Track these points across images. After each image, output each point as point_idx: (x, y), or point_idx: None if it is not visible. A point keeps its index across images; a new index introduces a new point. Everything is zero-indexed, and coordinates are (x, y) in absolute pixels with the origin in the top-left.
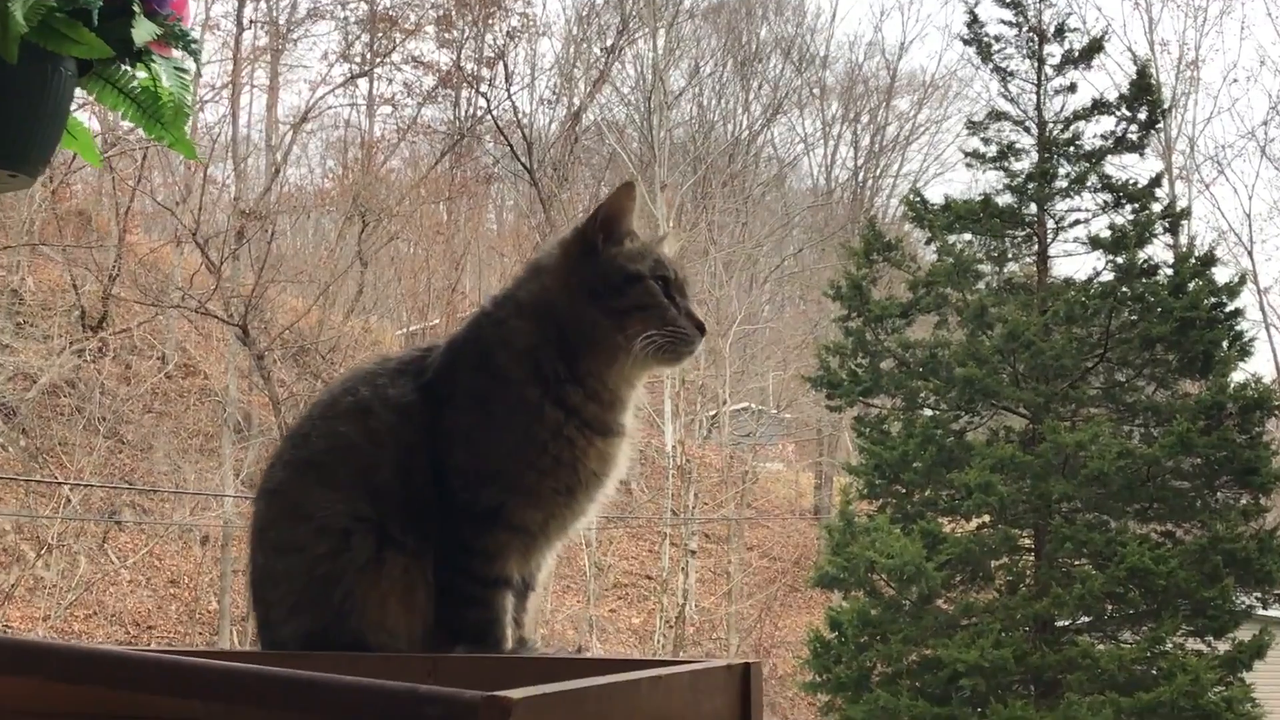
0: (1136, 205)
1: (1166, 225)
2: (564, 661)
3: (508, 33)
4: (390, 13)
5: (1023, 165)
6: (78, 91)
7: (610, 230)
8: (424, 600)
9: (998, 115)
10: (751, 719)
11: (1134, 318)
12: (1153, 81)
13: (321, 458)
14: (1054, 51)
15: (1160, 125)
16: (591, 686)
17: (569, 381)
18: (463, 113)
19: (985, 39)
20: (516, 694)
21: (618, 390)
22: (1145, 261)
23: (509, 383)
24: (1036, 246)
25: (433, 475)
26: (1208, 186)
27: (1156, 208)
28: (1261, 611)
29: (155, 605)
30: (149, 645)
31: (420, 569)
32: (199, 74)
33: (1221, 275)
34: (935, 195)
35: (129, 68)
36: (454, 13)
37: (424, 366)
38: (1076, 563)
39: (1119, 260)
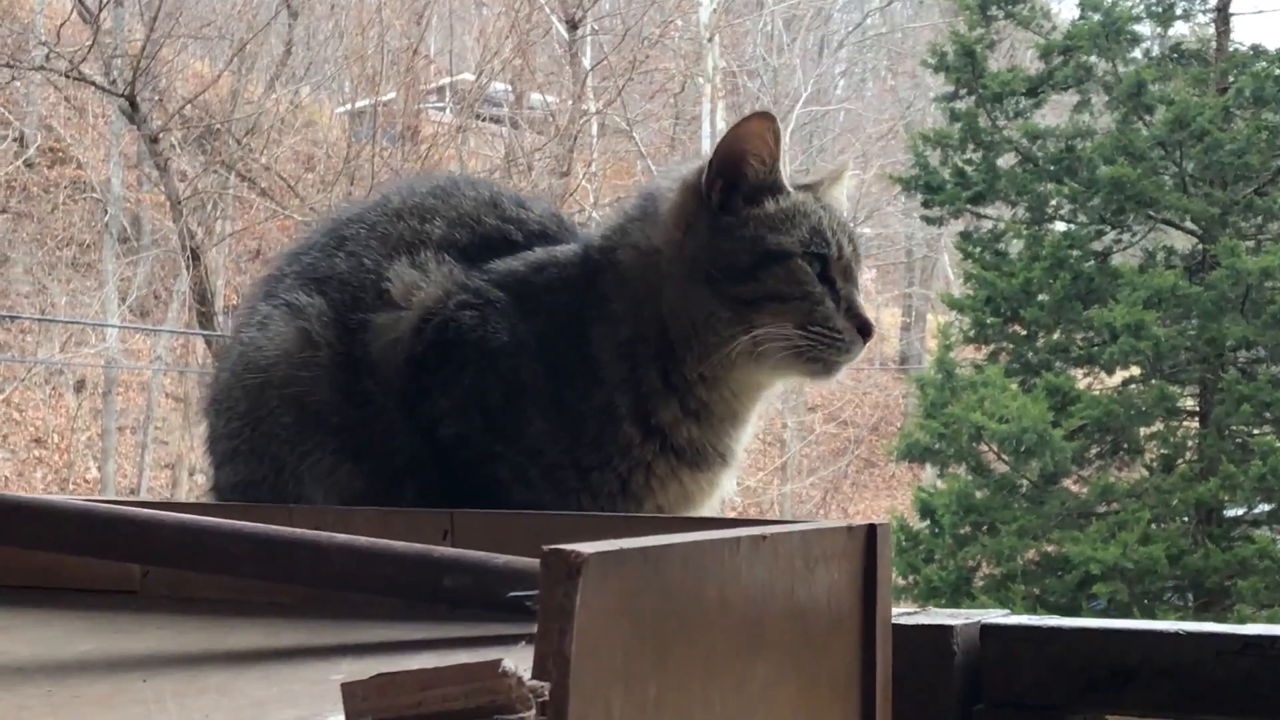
0: None
1: None
2: (621, 520)
3: None
4: None
5: None
6: None
7: (737, 178)
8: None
9: None
10: (878, 595)
11: None
12: None
13: (338, 280)
14: None
15: None
16: (678, 543)
17: (664, 392)
18: None
19: None
20: (586, 548)
21: (732, 406)
22: None
23: (597, 374)
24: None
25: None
26: None
27: None
28: None
29: (14, 471)
30: None
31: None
32: None
33: None
34: None
35: None
36: None
37: (497, 253)
38: (1256, 431)
39: None
